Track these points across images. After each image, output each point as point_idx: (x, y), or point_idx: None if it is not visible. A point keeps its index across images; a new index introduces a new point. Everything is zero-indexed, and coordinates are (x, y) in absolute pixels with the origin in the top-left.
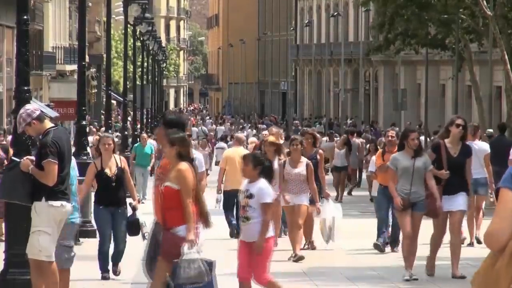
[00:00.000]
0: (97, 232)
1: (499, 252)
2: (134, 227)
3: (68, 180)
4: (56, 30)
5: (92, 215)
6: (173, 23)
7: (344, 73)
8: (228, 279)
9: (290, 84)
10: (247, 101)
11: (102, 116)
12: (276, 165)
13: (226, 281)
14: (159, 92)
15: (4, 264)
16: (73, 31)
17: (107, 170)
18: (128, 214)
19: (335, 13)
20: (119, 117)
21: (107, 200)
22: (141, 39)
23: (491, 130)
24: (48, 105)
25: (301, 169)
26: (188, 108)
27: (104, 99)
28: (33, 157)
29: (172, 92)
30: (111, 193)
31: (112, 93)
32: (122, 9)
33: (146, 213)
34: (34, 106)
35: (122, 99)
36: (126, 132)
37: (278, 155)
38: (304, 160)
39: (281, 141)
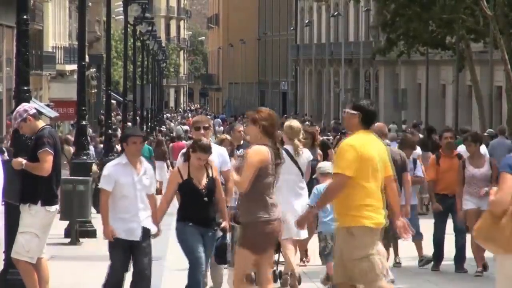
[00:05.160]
0: (183, 253)
1: (502, 214)
2: (223, 252)
3: (59, 182)
4: (56, 30)
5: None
6: (173, 23)
7: (344, 73)
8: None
9: (290, 84)
10: (247, 101)
11: (102, 116)
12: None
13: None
14: (159, 92)
15: (4, 264)
16: (73, 31)
17: (196, 181)
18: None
19: (335, 13)
20: (119, 117)
21: (196, 219)
22: (141, 39)
23: (491, 130)
24: (48, 105)
25: (486, 168)
26: (189, 107)
27: (104, 99)
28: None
29: (172, 92)
30: (201, 210)
31: (112, 93)
32: (122, 9)
33: None
34: (30, 105)
35: (122, 99)
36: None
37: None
38: (486, 157)
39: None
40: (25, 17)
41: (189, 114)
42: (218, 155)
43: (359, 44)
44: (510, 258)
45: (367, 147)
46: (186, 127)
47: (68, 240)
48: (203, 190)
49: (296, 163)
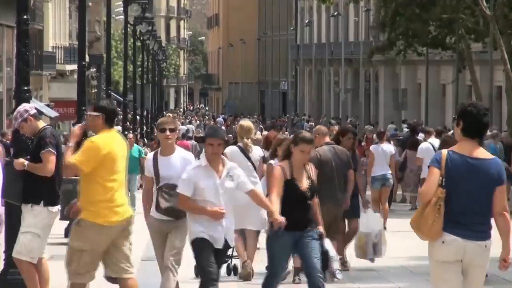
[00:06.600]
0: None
1: (426, 204)
2: (325, 259)
3: (61, 182)
4: (56, 30)
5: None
6: (173, 23)
7: (344, 73)
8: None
9: (290, 84)
10: (247, 101)
11: None
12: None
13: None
14: (159, 92)
15: (4, 264)
16: (73, 31)
17: (298, 182)
18: None
19: (335, 13)
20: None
21: (294, 223)
22: (141, 38)
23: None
24: (48, 105)
25: None
26: (189, 107)
27: None
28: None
29: (172, 92)
30: (302, 214)
31: (112, 93)
32: (122, 9)
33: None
34: (30, 105)
35: (122, 99)
36: (126, 132)
37: None
38: None
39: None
40: (25, 17)
41: (192, 114)
42: (181, 159)
43: (359, 44)
44: (435, 245)
45: (111, 146)
46: (184, 127)
47: (68, 240)
48: (307, 192)
49: (249, 158)
